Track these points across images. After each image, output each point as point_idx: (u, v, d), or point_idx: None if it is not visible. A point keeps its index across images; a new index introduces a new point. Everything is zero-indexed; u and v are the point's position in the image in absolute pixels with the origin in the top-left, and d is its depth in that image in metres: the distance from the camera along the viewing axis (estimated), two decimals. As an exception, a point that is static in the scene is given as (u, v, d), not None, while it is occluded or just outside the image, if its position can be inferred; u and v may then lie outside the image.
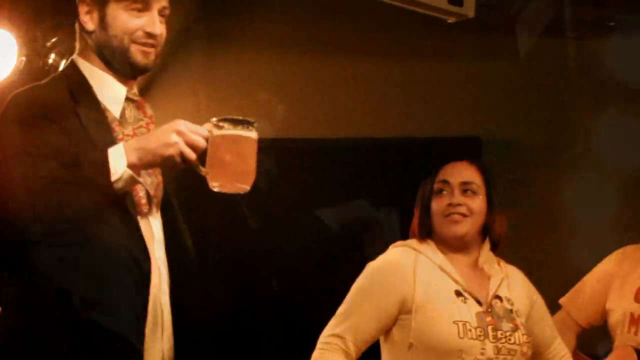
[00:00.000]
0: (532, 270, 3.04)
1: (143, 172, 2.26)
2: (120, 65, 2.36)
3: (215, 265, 3.97)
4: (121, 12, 2.33)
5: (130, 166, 2.17)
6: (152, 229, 2.34)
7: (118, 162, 2.16)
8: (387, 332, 2.82)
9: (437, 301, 2.76)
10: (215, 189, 2.19)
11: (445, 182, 2.88)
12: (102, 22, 2.34)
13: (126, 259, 2.22)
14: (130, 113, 2.37)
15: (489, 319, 2.78)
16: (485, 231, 2.91)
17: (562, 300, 3.46)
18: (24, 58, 4.20)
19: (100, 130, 2.29)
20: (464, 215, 2.84)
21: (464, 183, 2.87)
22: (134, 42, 2.34)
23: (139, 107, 2.39)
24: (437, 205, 2.87)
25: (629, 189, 4.40)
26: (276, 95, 4.30)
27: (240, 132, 2.18)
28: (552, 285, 3.25)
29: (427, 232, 2.90)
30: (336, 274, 4.06)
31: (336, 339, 2.76)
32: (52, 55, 4.22)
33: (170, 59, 4.55)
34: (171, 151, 2.17)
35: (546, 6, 4.48)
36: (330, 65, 4.84)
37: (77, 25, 2.41)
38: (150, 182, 2.34)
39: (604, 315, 3.39)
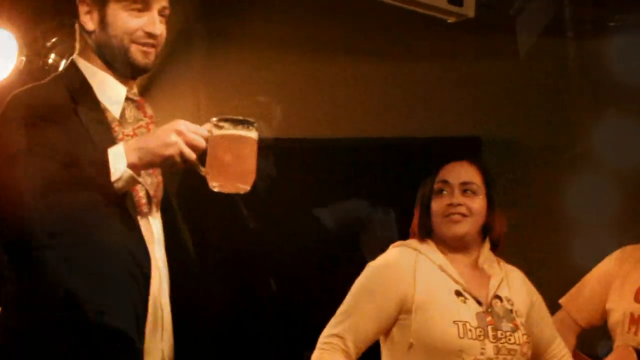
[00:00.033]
0: (532, 270, 3.04)
1: (143, 172, 2.26)
2: (121, 65, 2.36)
3: (215, 265, 3.97)
4: (121, 12, 2.33)
5: (131, 166, 2.17)
6: (152, 229, 2.34)
7: (118, 162, 2.17)
8: (387, 332, 2.82)
9: (437, 301, 2.76)
10: (216, 189, 2.19)
11: (445, 182, 2.89)
12: (102, 22, 2.35)
13: (126, 259, 2.22)
14: (130, 113, 2.37)
15: (489, 319, 2.78)
16: (485, 231, 2.91)
17: (562, 300, 3.46)
18: (24, 58, 4.19)
19: (100, 130, 2.29)
20: (464, 215, 2.84)
21: (464, 183, 2.87)
22: (134, 42, 2.34)
23: (139, 107, 2.39)
24: (437, 205, 2.87)
25: (629, 189, 4.40)
26: (276, 95, 4.29)
27: (240, 132, 2.18)
28: (552, 285, 3.25)
29: (427, 232, 2.90)
30: (336, 274, 4.05)
31: (336, 338, 2.76)
32: (52, 55, 4.22)
33: (170, 59, 4.55)
34: (171, 151, 2.17)
35: (546, 6, 4.48)
36: (330, 65, 4.83)
37: (77, 25, 2.41)
38: (150, 182, 2.34)
39: (604, 315, 3.39)
